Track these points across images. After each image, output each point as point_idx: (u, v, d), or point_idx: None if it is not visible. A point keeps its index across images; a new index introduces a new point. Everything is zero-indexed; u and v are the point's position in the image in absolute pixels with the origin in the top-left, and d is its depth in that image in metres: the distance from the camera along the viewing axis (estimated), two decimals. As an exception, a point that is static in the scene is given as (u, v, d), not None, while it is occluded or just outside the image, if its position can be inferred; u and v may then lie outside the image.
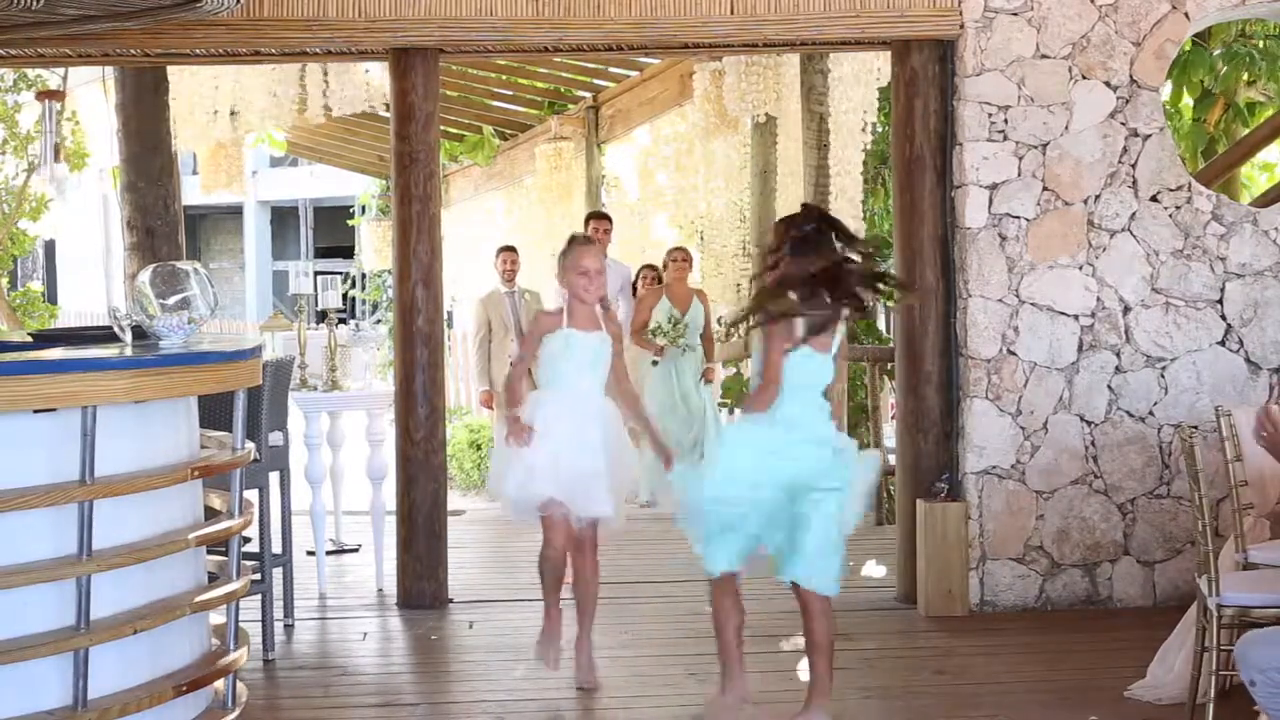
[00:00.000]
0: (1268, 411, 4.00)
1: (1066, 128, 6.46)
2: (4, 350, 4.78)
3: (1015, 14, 6.45)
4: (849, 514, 4.73)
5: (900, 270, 6.67)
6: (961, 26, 6.46)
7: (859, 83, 9.02)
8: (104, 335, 4.87)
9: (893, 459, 7.70)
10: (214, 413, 5.23)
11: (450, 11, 6.48)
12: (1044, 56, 6.46)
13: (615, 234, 9.71)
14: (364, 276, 17.31)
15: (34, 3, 5.47)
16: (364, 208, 16.40)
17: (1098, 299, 6.47)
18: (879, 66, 8.77)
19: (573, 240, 5.67)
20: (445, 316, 7.05)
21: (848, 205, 9.17)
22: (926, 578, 6.44)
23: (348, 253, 22.40)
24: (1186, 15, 6.47)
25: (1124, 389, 6.49)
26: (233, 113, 10.26)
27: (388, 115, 6.97)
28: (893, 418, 7.84)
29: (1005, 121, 6.46)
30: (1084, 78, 6.46)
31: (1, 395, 3.96)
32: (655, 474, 9.70)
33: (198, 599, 4.54)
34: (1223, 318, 6.49)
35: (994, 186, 6.47)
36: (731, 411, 11.67)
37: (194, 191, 14.68)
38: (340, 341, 7.53)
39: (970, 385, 6.48)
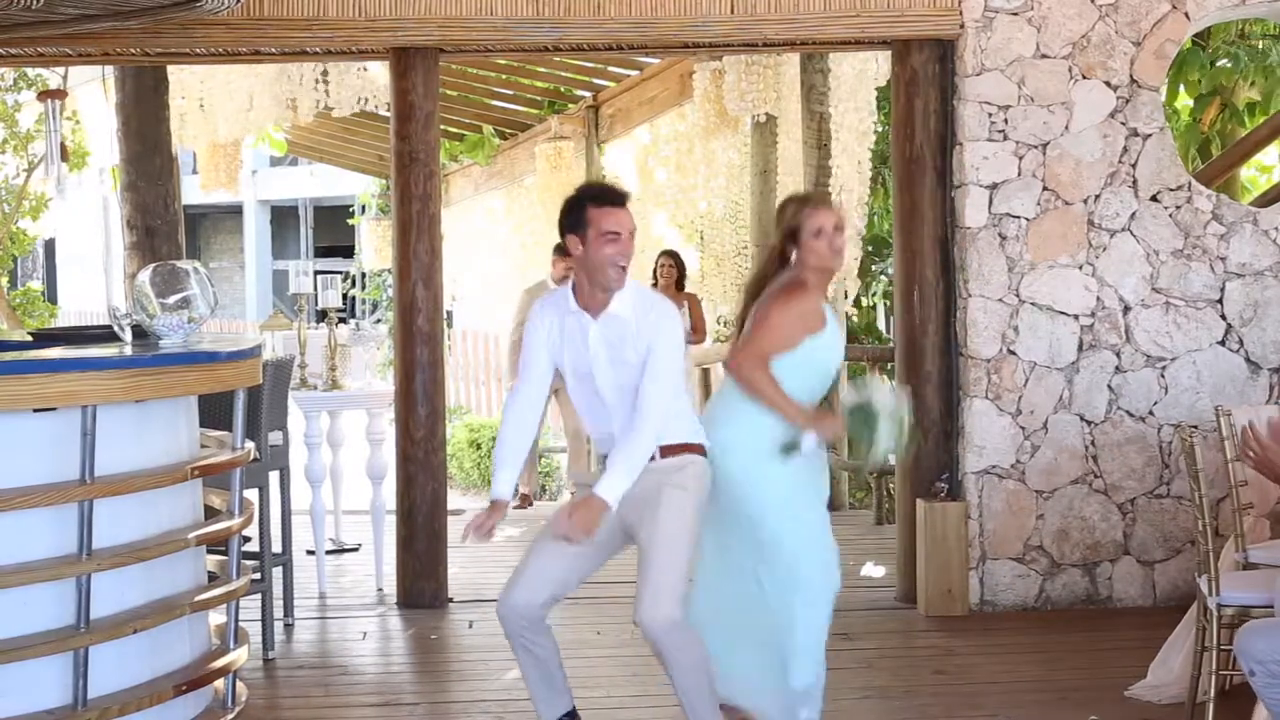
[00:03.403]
0: (1252, 430, 3.99)
1: (1066, 127, 6.46)
2: (4, 350, 4.78)
3: (1015, 14, 6.45)
4: None
5: (900, 270, 6.68)
6: (961, 26, 6.46)
7: (859, 82, 9.01)
8: (104, 335, 4.87)
9: (893, 459, 7.70)
10: (214, 412, 5.23)
11: (450, 11, 6.48)
12: (1044, 56, 6.46)
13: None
14: (364, 276, 17.30)
15: (34, 2, 5.47)
16: (364, 207, 16.40)
17: (1098, 299, 6.47)
18: (876, 65, 8.76)
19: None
20: (445, 316, 7.04)
21: (849, 205, 9.16)
22: (926, 577, 6.44)
23: (348, 252, 22.40)
24: (1186, 15, 6.47)
25: (1124, 389, 6.49)
26: (233, 113, 10.26)
27: (388, 115, 6.97)
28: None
29: (1005, 121, 6.46)
30: (1084, 77, 6.46)
31: (1, 395, 3.96)
32: None
33: (197, 598, 4.54)
34: (1223, 317, 6.50)
35: (994, 186, 6.47)
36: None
37: (194, 191, 14.68)
38: (340, 341, 7.52)
39: (970, 385, 6.48)
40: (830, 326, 4.51)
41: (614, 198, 4.29)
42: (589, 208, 4.24)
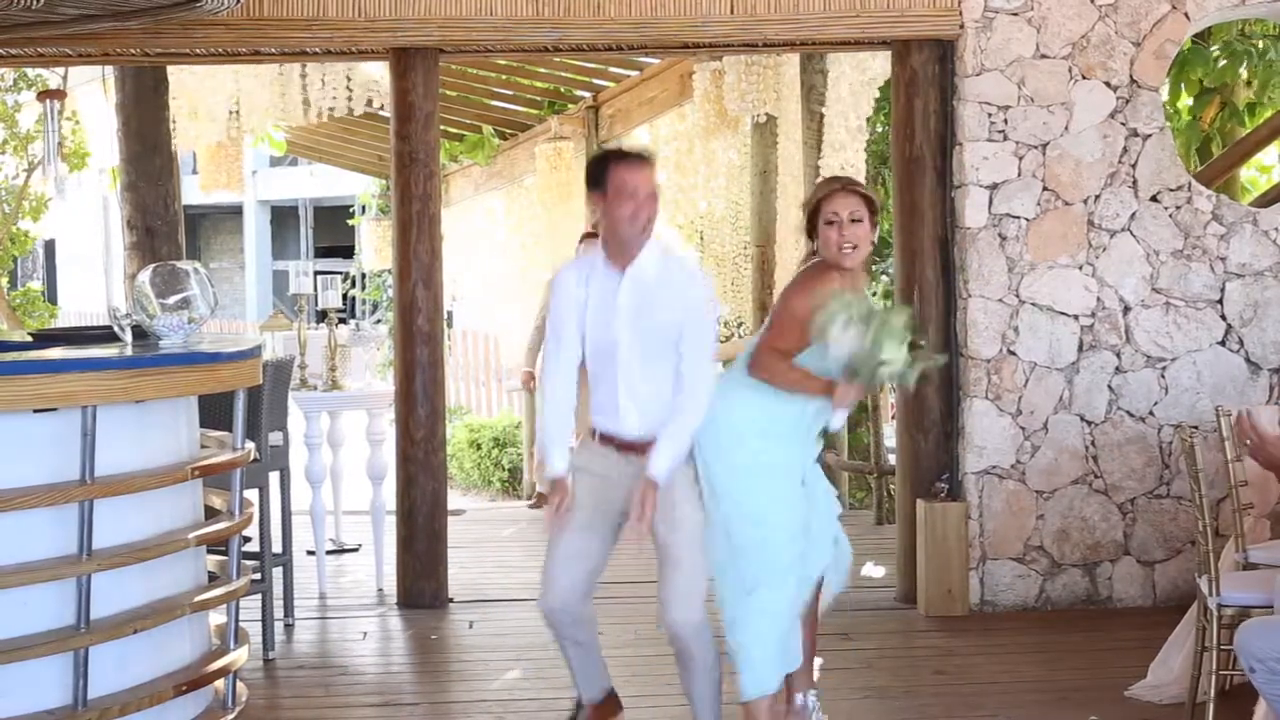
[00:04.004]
0: (1248, 419, 4.03)
1: (1066, 128, 6.46)
2: (4, 350, 4.78)
3: (1015, 14, 6.45)
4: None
5: (900, 270, 6.67)
6: (961, 26, 6.46)
7: (858, 82, 9.00)
8: (104, 335, 4.87)
9: (893, 459, 7.70)
10: (214, 412, 5.22)
11: (450, 11, 6.48)
12: (1044, 56, 6.46)
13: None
14: (364, 276, 17.30)
15: (34, 2, 5.47)
16: (364, 207, 16.39)
17: (1098, 299, 6.47)
18: (874, 61, 8.75)
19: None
20: (445, 316, 7.04)
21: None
22: (926, 578, 6.44)
23: (348, 252, 22.38)
24: (1186, 15, 6.47)
25: (1124, 389, 6.49)
26: (233, 112, 10.25)
27: (388, 115, 6.97)
28: (893, 418, 7.84)
29: (1005, 121, 6.46)
30: (1084, 78, 6.46)
31: (1, 395, 3.96)
32: None
33: (198, 599, 4.54)
34: (1223, 318, 6.49)
35: (994, 186, 6.47)
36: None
37: (194, 191, 14.66)
38: (340, 341, 7.52)
39: (970, 385, 6.48)
40: None
41: (635, 157, 4.32)
42: (610, 165, 4.28)
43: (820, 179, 4.61)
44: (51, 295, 24.28)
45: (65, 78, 9.89)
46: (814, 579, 4.56)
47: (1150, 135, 6.47)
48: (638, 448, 4.26)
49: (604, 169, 4.29)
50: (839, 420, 4.32)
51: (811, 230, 4.43)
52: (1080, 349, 6.48)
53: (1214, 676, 4.64)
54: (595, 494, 4.32)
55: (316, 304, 8.02)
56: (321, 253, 29.46)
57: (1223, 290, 6.50)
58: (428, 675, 5.80)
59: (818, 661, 4.64)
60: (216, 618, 4.92)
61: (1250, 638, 3.81)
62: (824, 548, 4.55)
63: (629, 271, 4.28)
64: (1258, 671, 3.77)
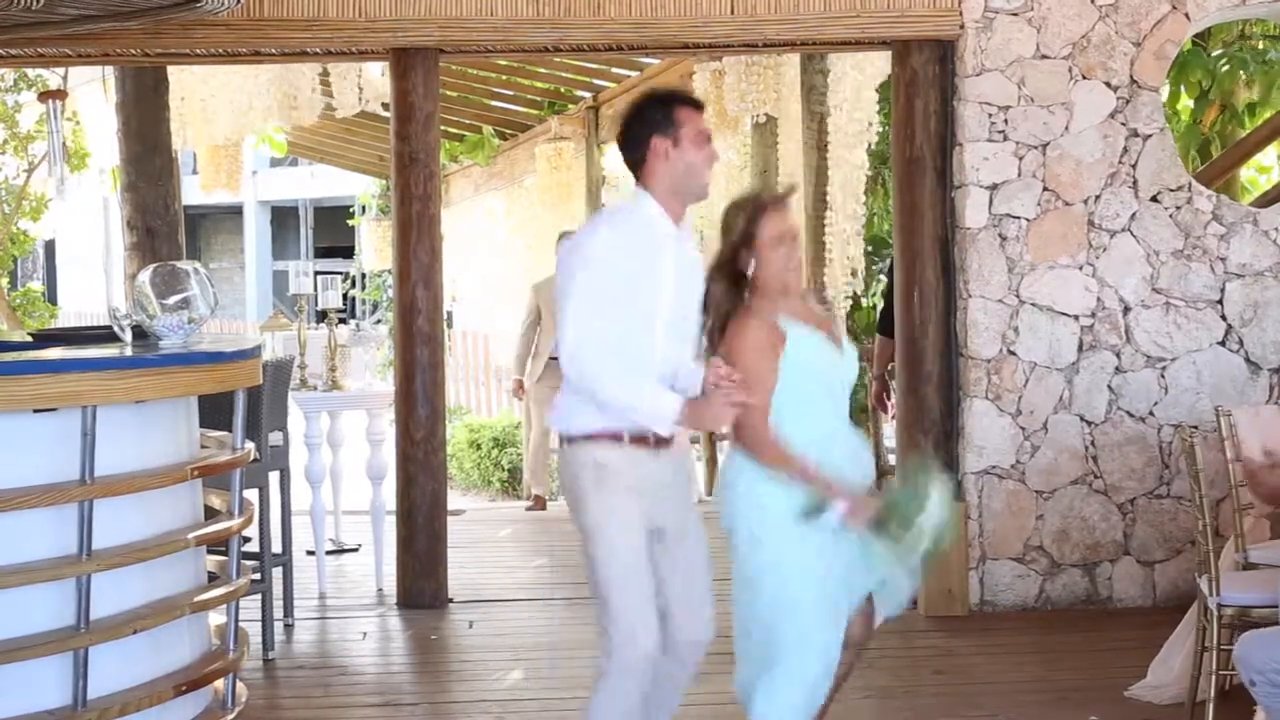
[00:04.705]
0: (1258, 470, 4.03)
1: (1066, 128, 6.46)
2: (4, 350, 4.78)
3: (1015, 14, 6.45)
4: None
5: (900, 270, 6.67)
6: (961, 27, 6.46)
7: (859, 82, 9.01)
8: (104, 335, 4.87)
9: (893, 459, 7.70)
10: (214, 413, 5.22)
11: (450, 11, 6.48)
12: (1044, 56, 6.46)
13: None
14: (364, 276, 17.30)
15: (34, 3, 5.47)
16: (364, 207, 16.40)
17: (1098, 299, 6.48)
18: (880, 66, 8.75)
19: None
20: (445, 317, 7.05)
21: (850, 204, 9.16)
22: (926, 577, 6.42)
23: (348, 253, 22.38)
24: (1186, 15, 6.48)
25: (1124, 389, 6.49)
26: (233, 112, 10.25)
27: (388, 115, 6.97)
28: (892, 418, 7.84)
29: (1005, 122, 6.46)
30: (1084, 78, 6.46)
31: (1, 395, 3.96)
32: None
33: (197, 599, 4.54)
34: (1223, 318, 6.50)
35: (994, 187, 6.47)
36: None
37: (194, 191, 14.67)
38: (340, 341, 7.52)
39: (970, 385, 6.48)
40: (793, 334, 3.89)
41: (693, 98, 3.95)
42: (679, 108, 3.83)
43: (737, 199, 4.03)
44: (51, 295, 24.30)
45: (65, 78, 9.89)
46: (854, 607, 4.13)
47: (1150, 135, 6.47)
48: (669, 441, 3.79)
49: (670, 111, 3.82)
50: (835, 514, 3.80)
51: (744, 255, 3.90)
52: (1080, 349, 6.48)
53: (1214, 677, 4.64)
54: (638, 505, 3.78)
55: (316, 304, 8.02)
56: (321, 253, 29.45)
57: (1223, 290, 6.50)
58: (428, 675, 5.80)
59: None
60: (216, 618, 4.92)
61: (1250, 650, 3.81)
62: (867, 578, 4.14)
63: (684, 229, 3.90)
64: (1258, 684, 3.77)
